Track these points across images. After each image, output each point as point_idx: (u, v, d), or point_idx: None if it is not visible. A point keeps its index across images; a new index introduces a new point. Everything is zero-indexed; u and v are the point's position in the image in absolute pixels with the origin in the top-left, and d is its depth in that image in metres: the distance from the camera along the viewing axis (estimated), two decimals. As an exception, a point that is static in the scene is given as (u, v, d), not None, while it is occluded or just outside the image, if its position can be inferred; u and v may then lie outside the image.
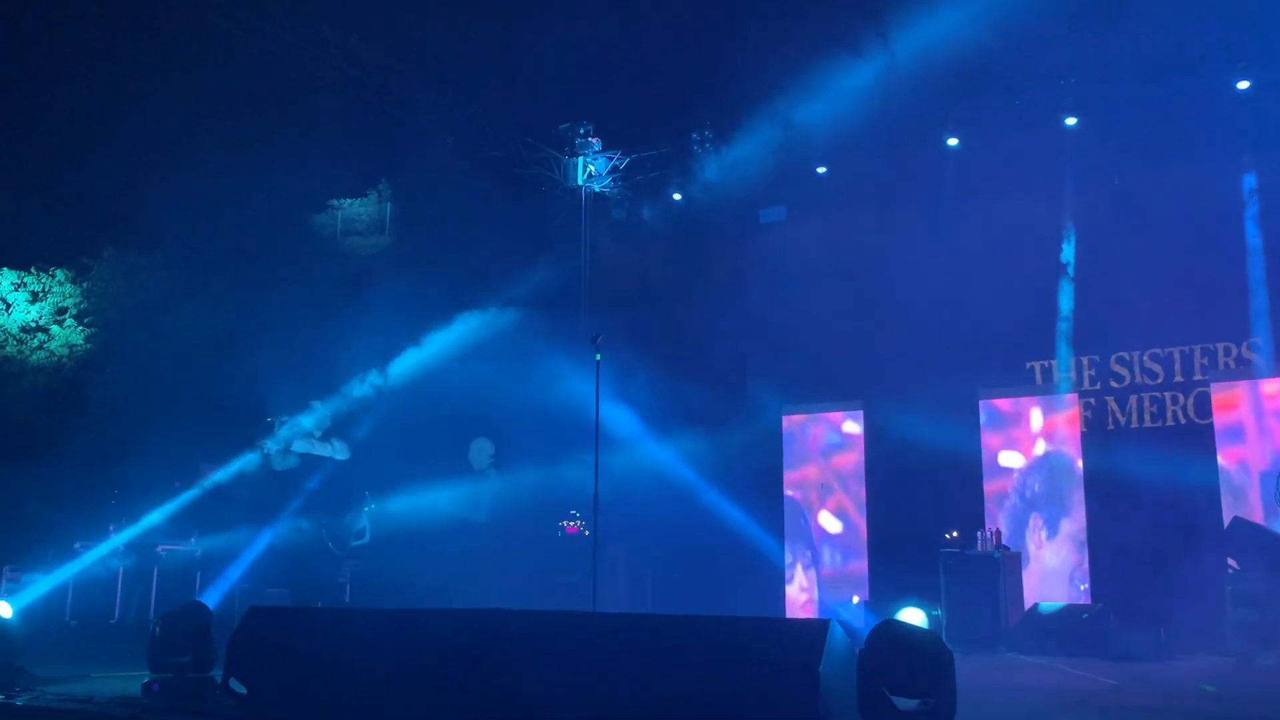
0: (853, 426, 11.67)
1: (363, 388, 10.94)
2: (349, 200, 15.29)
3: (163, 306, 13.19)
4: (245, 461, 10.11)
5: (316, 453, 8.41)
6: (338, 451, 8.33)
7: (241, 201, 12.87)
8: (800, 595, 11.55)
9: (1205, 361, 10.58)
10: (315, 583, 8.27)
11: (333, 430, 8.63)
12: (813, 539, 11.59)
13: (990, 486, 10.84)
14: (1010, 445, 10.92)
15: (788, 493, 11.87)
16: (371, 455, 9.20)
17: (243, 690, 5.53)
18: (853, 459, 11.61)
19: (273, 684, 5.50)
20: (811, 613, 11.06)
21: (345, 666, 5.34)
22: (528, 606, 6.68)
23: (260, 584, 9.40)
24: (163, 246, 13.58)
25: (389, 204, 15.13)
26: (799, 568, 11.65)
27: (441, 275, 11.77)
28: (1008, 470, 10.84)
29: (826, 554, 11.61)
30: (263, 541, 9.08)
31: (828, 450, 11.77)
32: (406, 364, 11.49)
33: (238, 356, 11.59)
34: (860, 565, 11.29)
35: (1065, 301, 11.11)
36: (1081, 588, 10.14)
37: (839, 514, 11.62)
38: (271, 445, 8.90)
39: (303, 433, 8.48)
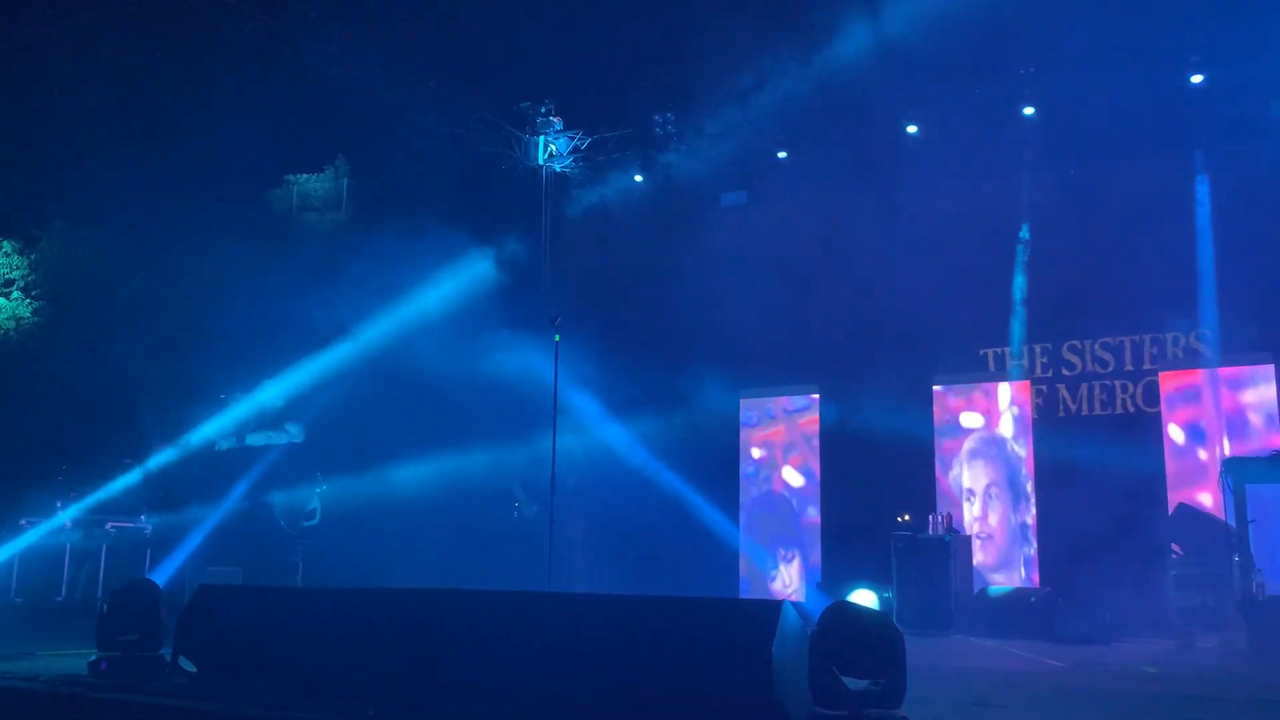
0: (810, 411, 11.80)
1: (316, 366, 10.83)
2: (305, 175, 15.08)
3: (113, 280, 12.95)
4: (197, 439, 9.98)
5: (271, 442, 8.31)
6: (293, 436, 8.22)
7: (196, 176, 12.65)
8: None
9: (1155, 351, 10.76)
10: (267, 562, 8.19)
11: (286, 410, 8.53)
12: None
13: (942, 471, 10.98)
14: (962, 431, 11.06)
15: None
16: (326, 434, 9.11)
17: (192, 668, 5.48)
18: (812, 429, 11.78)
19: (223, 662, 5.45)
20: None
21: (296, 645, 5.31)
22: (482, 586, 6.68)
23: (211, 562, 9.29)
24: (114, 219, 13.32)
25: (346, 180, 14.94)
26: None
27: (399, 253, 11.66)
28: (959, 454, 10.98)
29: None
30: (214, 520, 8.99)
31: (794, 412, 11.90)
32: (362, 343, 11.39)
33: (190, 332, 11.42)
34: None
35: (1019, 290, 11.26)
36: (1030, 572, 10.32)
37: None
38: (223, 426, 8.80)
39: (255, 415, 8.37)
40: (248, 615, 5.66)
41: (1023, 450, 10.71)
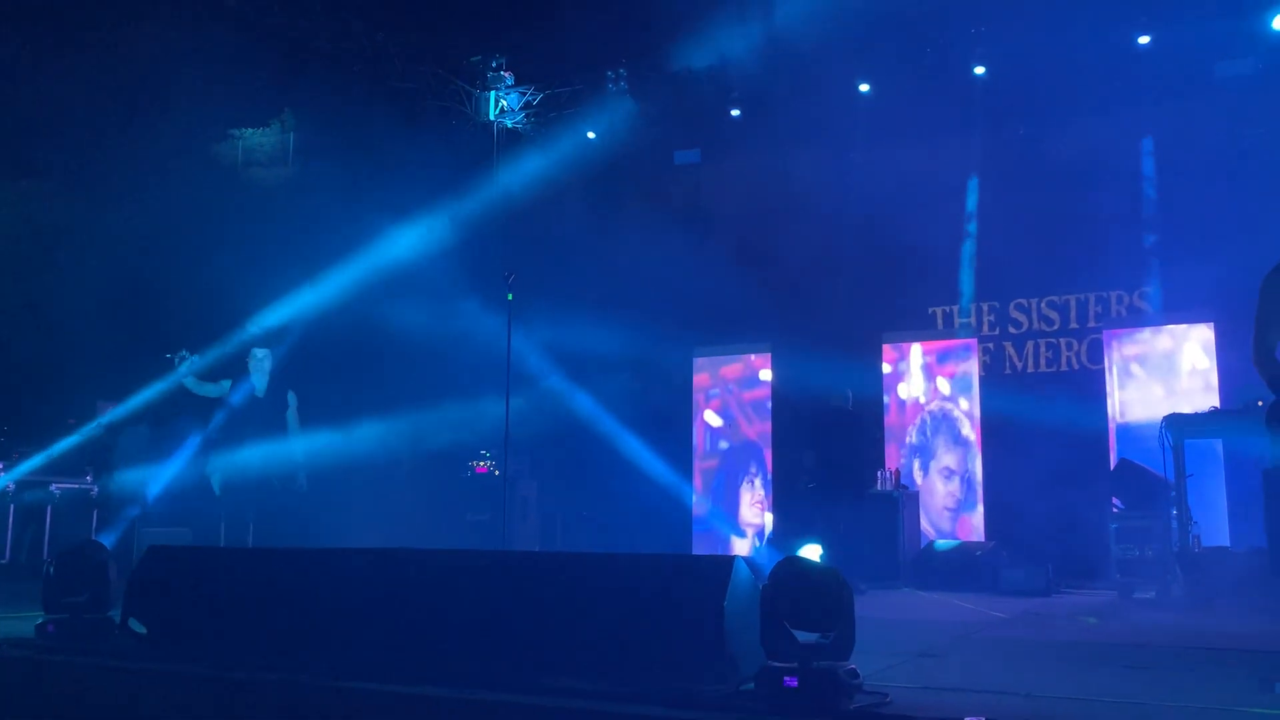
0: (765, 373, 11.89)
1: (268, 323, 10.69)
2: (250, 130, 14.76)
3: (55, 236, 12.63)
4: (144, 397, 9.82)
5: (204, 394, 8.15)
6: (235, 392, 8.06)
7: (139, 129, 12.33)
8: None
9: (1099, 309, 10.96)
10: (218, 522, 8.11)
11: (234, 368, 8.40)
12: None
13: (890, 428, 11.13)
14: (911, 388, 11.20)
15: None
16: (278, 393, 9.00)
17: (143, 630, 5.44)
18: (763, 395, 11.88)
19: (173, 624, 5.41)
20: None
21: (248, 606, 5.29)
22: (437, 546, 6.68)
23: (160, 523, 9.20)
24: (55, 173, 12.96)
25: (292, 134, 14.66)
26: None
27: (349, 208, 11.50)
28: (908, 411, 11.14)
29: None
30: (163, 479, 8.89)
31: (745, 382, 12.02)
32: (313, 299, 11.25)
33: (134, 289, 11.20)
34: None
35: (968, 248, 11.39)
36: (975, 526, 10.54)
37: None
38: (172, 380, 8.63)
39: (200, 370, 8.22)
40: (199, 576, 5.63)
41: (968, 406, 10.88)
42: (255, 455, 7.89)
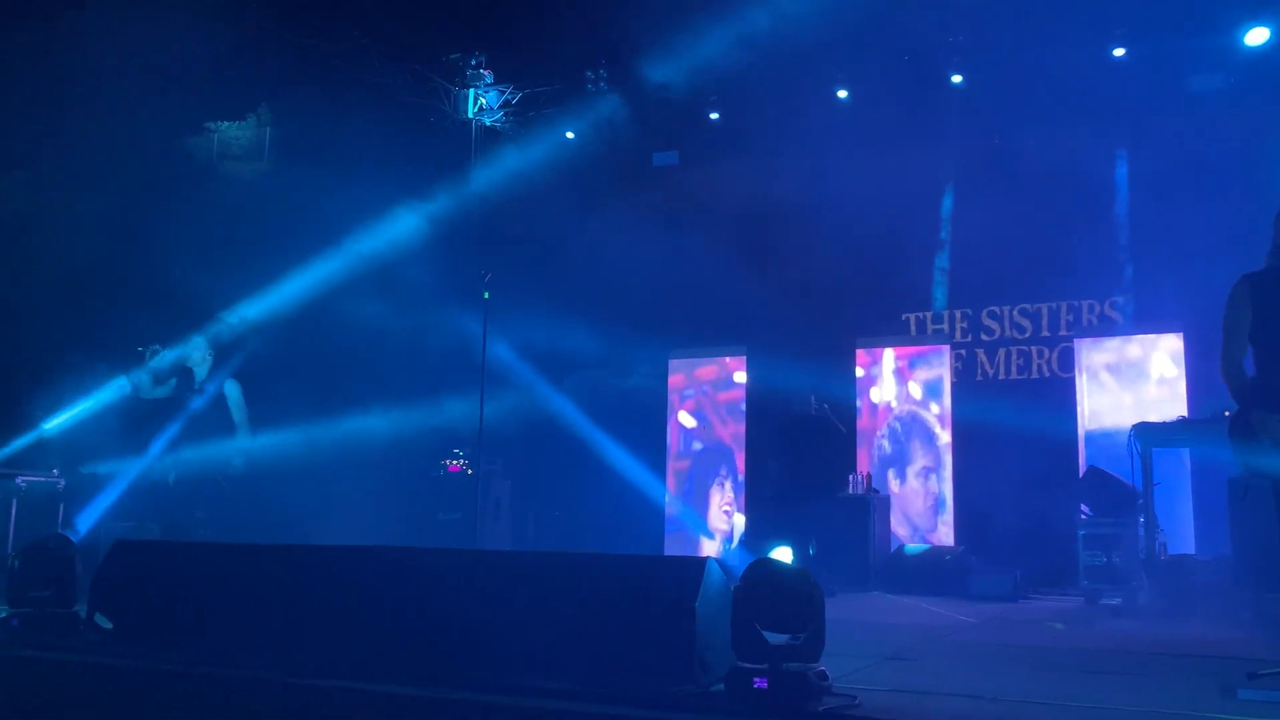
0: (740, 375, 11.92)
1: (240, 319, 10.60)
2: (226, 123, 14.64)
3: (25, 227, 12.46)
4: (112, 392, 9.71)
5: (156, 395, 8.08)
6: (179, 386, 7.97)
7: (115, 121, 12.20)
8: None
9: (1070, 318, 11.07)
10: (184, 517, 8.04)
11: (220, 366, 8.34)
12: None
13: (863, 431, 11.19)
14: (883, 392, 11.27)
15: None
16: (249, 388, 8.93)
17: (109, 625, 5.39)
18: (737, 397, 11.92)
19: (141, 619, 5.37)
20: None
21: (216, 602, 5.25)
22: (407, 544, 6.65)
23: (128, 518, 9.09)
24: (27, 164, 12.79)
25: (269, 128, 14.55)
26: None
27: (324, 204, 11.43)
28: (880, 416, 11.20)
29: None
30: (131, 474, 8.79)
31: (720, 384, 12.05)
32: (286, 295, 11.18)
33: (106, 282, 11.08)
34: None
35: (942, 256, 11.48)
36: (945, 531, 10.60)
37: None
38: (138, 377, 8.54)
39: (173, 365, 8.15)
40: (166, 571, 5.58)
41: (939, 411, 10.95)
42: (200, 447, 7.84)
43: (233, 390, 8.03)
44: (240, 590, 5.25)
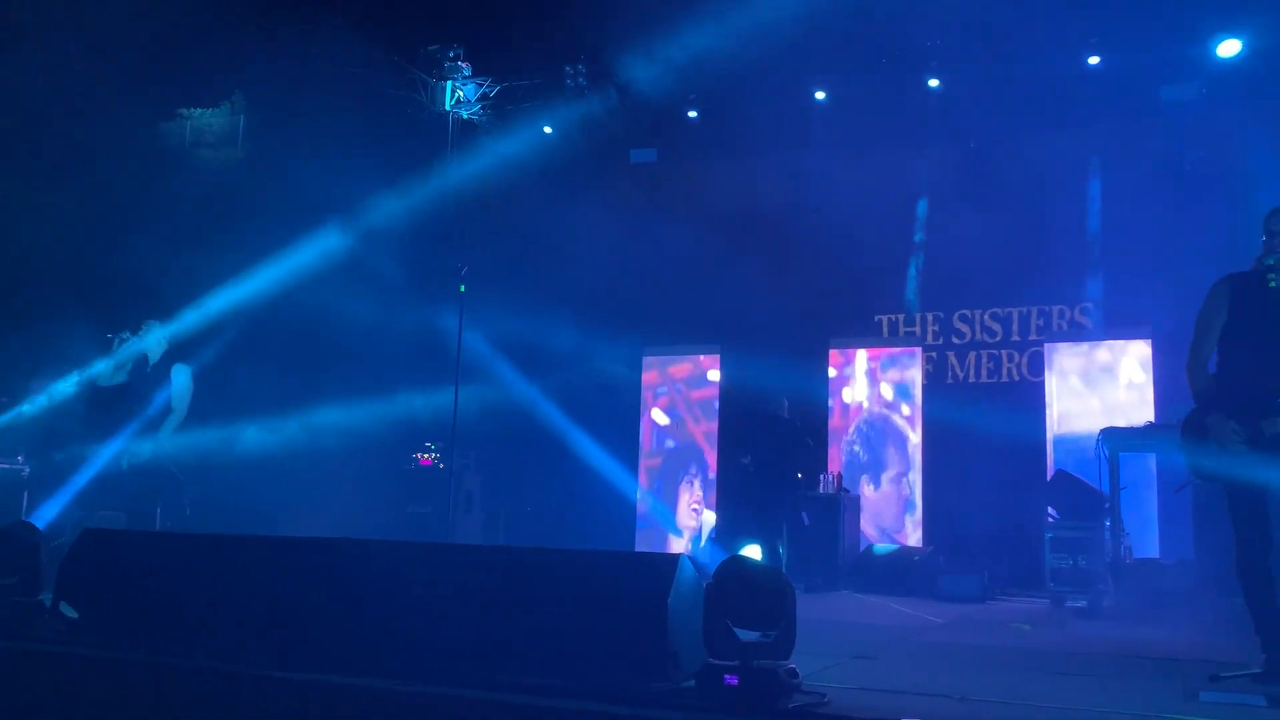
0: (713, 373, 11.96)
1: (209, 308, 10.51)
2: (199, 110, 14.48)
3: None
4: (77, 379, 9.60)
5: (116, 383, 7.98)
6: (133, 373, 7.87)
7: (85, 106, 12.04)
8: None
9: (1041, 323, 11.18)
10: (154, 506, 7.96)
11: (174, 353, 8.23)
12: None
13: (834, 431, 11.26)
14: (855, 393, 11.34)
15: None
16: (219, 378, 8.85)
17: (74, 614, 5.32)
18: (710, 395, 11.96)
19: (107, 608, 5.31)
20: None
21: (183, 592, 5.20)
22: (377, 537, 6.62)
23: (93, 506, 8.99)
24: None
25: (243, 116, 14.41)
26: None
27: (299, 195, 11.34)
28: (851, 416, 11.26)
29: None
30: (99, 462, 8.69)
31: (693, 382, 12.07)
32: (258, 285, 11.08)
33: (75, 268, 10.94)
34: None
35: (915, 258, 11.56)
36: (914, 531, 10.68)
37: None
38: (103, 364, 8.43)
39: (133, 352, 8.05)
40: (133, 560, 5.52)
41: (910, 413, 11.03)
42: (149, 436, 7.76)
43: (180, 376, 7.91)
44: (208, 581, 5.20)
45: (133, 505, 7.96)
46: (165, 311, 8.66)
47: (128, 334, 7.92)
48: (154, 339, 7.99)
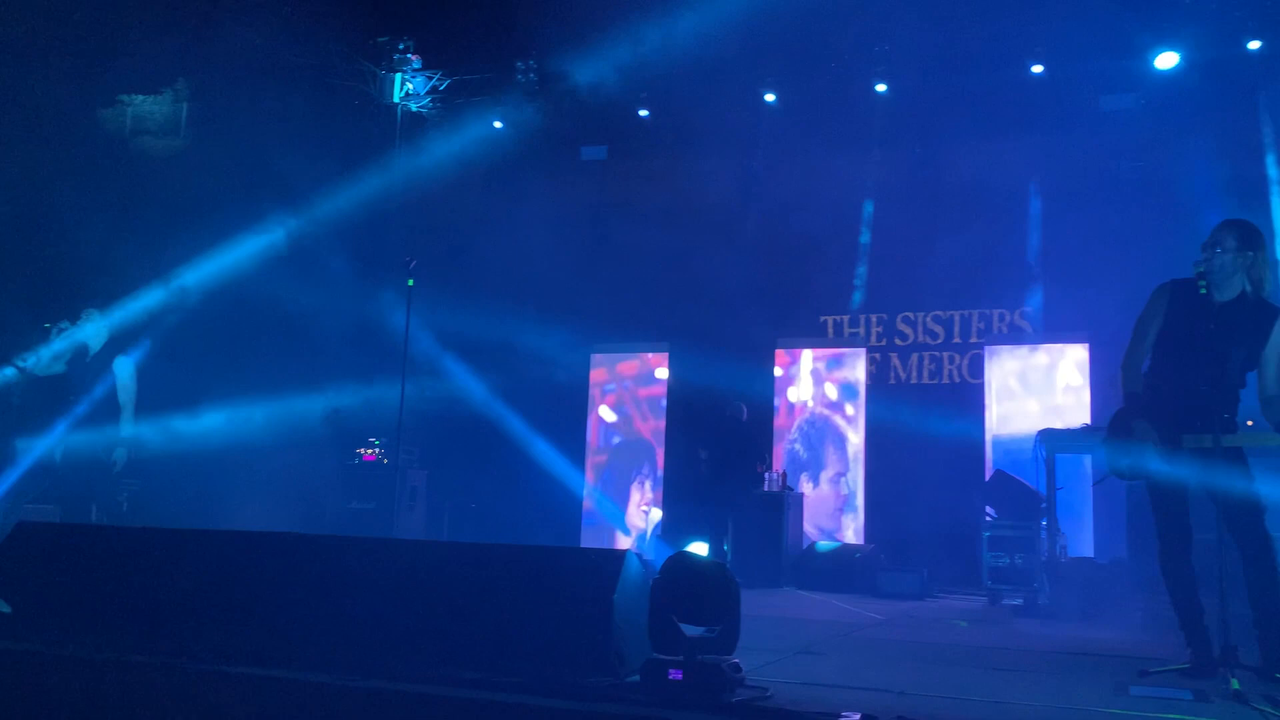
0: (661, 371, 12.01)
1: (150, 299, 10.31)
2: (140, 96, 14.20)
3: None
4: (11, 368, 9.37)
5: (51, 373, 7.79)
6: (71, 363, 7.68)
7: (21, 90, 11.74)
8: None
9: (981, 326, 11.38)
10: (89, 501, 7.80)
11: (114, 344, 8.06)
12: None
13: (780, 430, 11.36)
14: (800, 392, 11.45)
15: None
16: (159, 371, 8.69)
17: (8, 609, 5.22)
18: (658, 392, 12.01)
19: (42, 603, 5.21)
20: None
21: (121, 586, 5.13)
22: (321, 532, 6.55)
23: (27, 499, 8.78)
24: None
25: (186, 104, 14.15)
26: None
27: (243, 185, 11.18)
28: (796, 415, 11.38)
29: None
30: (33, 455, 8.49)
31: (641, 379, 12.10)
32: (200, 275, 10.91)
33: (9, 256, 10.68)
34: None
35: (861, 261, 11.70)
36: (852, 530, 10.82)
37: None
38: (38, 353, 8.23)
39: (71, 342, 7.86)
40: (69, 555, 5.42)
41: (854, 413, 11.17)
42: (90, 429, 7.60)
43: (123, 369, 7.75)
44: (145, 575, 5.13)
45: (68, 499, 7.80)
46: (106, 301, 8.50)
47: (66, 323, 7.75)
48: (93, 329, 7.82)
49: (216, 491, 10.00)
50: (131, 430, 7.70)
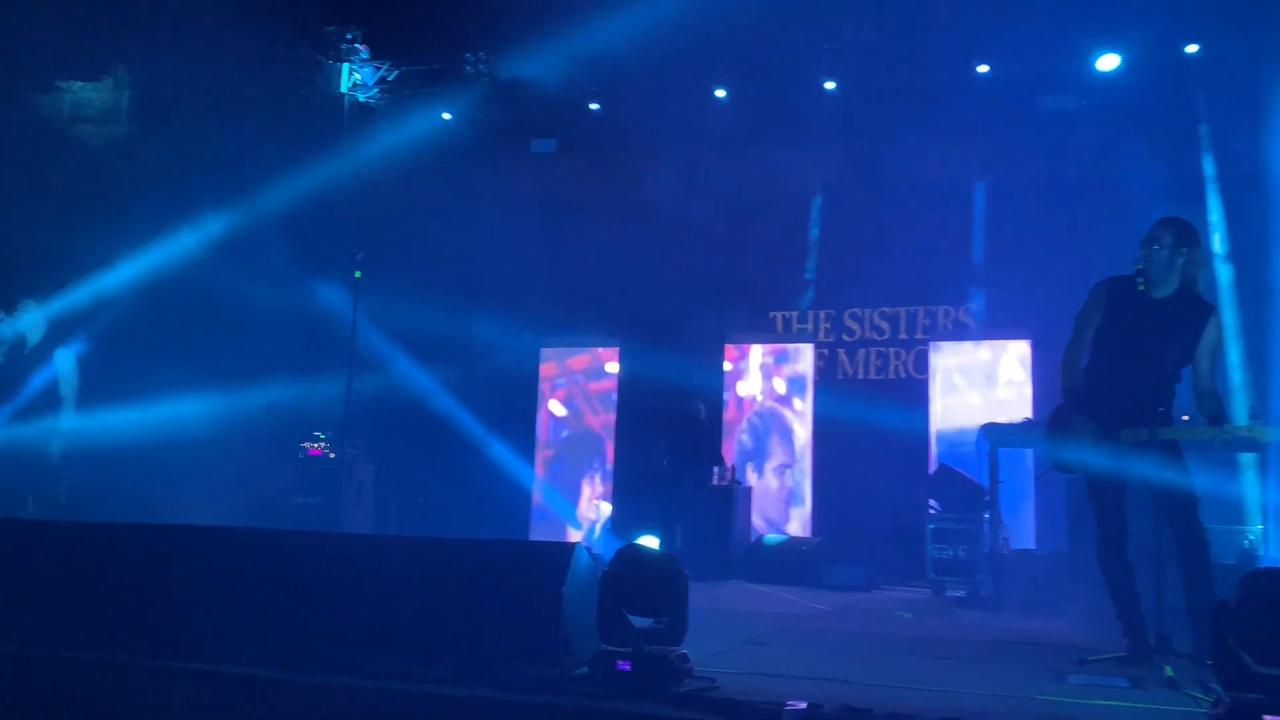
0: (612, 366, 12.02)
1: (90, 289, 10.11)
2: (79, 83, 13.87)
3: None
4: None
5: None
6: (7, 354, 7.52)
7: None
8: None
9: (927, 322, 11.52)
10: (26, 494, 7.63)
11: (55, 335, 7.90)
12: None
13: (729, 424, 11.43)
14: (749, 386, 11.53)
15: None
16: (98, 362, 8.52)
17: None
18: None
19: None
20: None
21: (62, 581, 5.02)
22: (267, 526, 6.46)
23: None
24: None
25: (127, 91, 13.86)
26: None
27: (186, 174, 10.98)
28: (745, 409, 11.45)
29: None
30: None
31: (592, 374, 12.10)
32: (141, 266, 10.70)
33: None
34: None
35: (810, 256, 11.80)
36: (797, 523, 10.93)
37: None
38: None
39: (15, 335, 7.69)
40: (10, 549, 5.29)
41: (802, 407, 11.27)
42: (27, 422, 7.45)
43: (64, 361, 7.60)
44: (89, 569, 5.02)
45: (2, 492, 7.63)
46: (43, 292, 8.31)
47: (2, 314, 7.58)
48: (30, 320, 7.65)
49: (157, 486, 9.82)
50: (72, 422, 7.55)
